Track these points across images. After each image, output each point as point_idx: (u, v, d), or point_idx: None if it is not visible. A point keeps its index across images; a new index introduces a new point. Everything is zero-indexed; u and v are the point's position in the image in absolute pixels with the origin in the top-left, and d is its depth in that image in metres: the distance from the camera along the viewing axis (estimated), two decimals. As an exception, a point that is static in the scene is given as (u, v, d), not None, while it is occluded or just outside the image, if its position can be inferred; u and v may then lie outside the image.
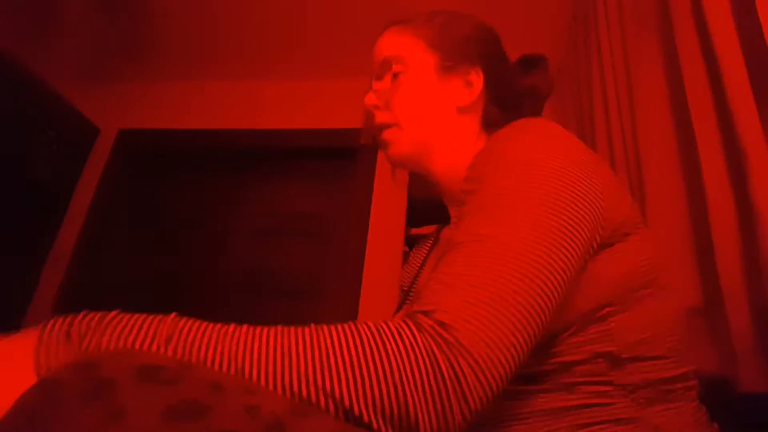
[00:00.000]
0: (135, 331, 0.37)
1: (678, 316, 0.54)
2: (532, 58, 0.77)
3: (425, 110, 0.70)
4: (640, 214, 0.56)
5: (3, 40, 1.87)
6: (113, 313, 0.39)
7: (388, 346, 0.37)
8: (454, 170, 0.68)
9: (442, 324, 0.38)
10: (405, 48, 0.71)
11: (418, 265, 0.83)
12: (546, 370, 0.49)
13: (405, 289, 0.84)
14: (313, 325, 0.39)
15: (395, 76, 0.70)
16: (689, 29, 0.90)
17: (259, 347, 0.37)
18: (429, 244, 0.85)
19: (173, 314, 0.39)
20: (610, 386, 0.49)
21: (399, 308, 0.79)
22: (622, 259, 0.51)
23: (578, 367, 0.49)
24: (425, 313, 0.40)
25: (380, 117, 0.71)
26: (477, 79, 0.69)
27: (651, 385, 0.49)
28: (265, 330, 0.38)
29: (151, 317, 0.38)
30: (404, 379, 0.36)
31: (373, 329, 0.39)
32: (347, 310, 1.83)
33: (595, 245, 0.49)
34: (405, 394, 0.36)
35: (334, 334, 0.38)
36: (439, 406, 0.36)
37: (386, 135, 0.71)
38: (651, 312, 0.51)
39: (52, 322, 0.38)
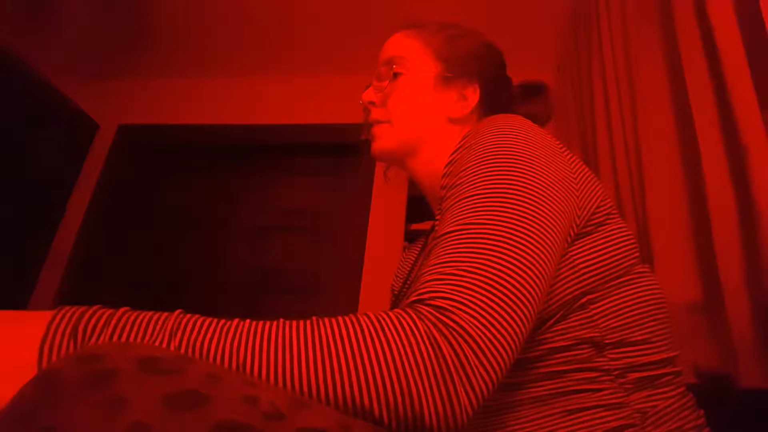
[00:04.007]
0: (142, 328, 0.37)
1: (658, 302, 0.55)
2: (533, 86, 0.79)
3: (417, 114, 0.72)
4: (614, 204, 0.57)
5: (3, 37, 1.86)
6: (121, 311, 0.39)
7: (389, 334, 0.37)
8: (437, 174, 0.68)
9: (440, 309, 0.39)
10: (410, 51, 0.74)
11: (409, 268, 0.83)
12: (533, 357, 0.50)
13: (395, 292, 0.84)
14: (314, 318, 0.40)
15: (395, 76, 0.73)
16: (691, 24, 0.90)
17: (261, 341, 0.37)
18: (419, 248, 0.85)
19: (178, 311, 0.39)
20: (598, 372, 0.50)
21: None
22: (597, 247, 0.52)
23: (564, 353, 0.50)
24: (422, 301, 0.40)
25: (375, 114, 0.75)
26: (473, 95, 0.72)
27: (636, 370, 0.51)
28: (267, 324, 0.39)
29: (157, 314, 0.38)
30: (407, 365, 0.36)
31: (373, 319, 0.39)
32: (347, 306, 1.83)
33: (572, 233, 0.51)
34: (408, 381, 0.36)
35: (334, 325, 0.38)
36: (444, 392, 0.36)
37: (376, 129, 0.74)
38: (630, 299, 0.53)
39: (61, 314, 0.38)
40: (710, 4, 0.83)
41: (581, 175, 0.54)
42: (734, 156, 0.77)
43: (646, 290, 0.54)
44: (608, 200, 0.56)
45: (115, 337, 0.37)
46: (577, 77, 1.61)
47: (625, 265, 0.54)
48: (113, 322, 0.37)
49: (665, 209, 0.94)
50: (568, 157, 0.55)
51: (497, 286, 0.40)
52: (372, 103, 0.75)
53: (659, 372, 0.52)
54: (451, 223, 0.46)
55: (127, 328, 0.37)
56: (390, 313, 0.40)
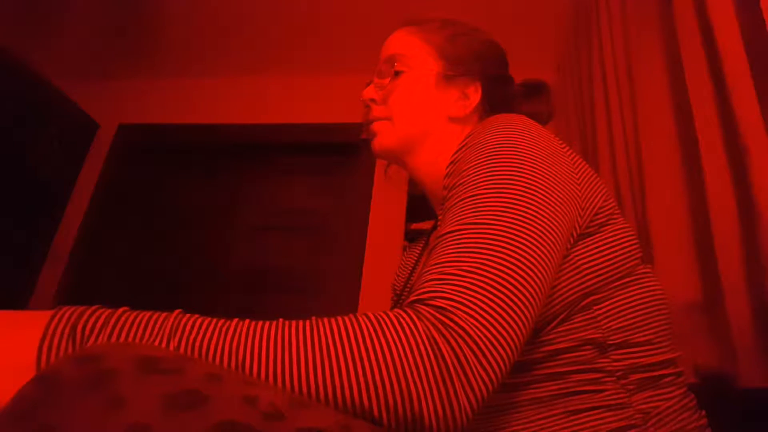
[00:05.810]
0: (141, 328, 0.37)
1: (660, 303, 0.55)
2: (534, 85, 0.79)
3: (418, 113, 0.71)
4: (616, 204, 0.57)
5: (3, 37, 1.86)
6: (120, 311, 0.38)
7: (388, 335, 0.37)
8: (438, 174, 0.68)
9: (440, 309, 0.39)
10: (412, 49, 0.73)
11: (411, 267, 0.83)
12: (536, 359, 0.50)
13: (398, 291, 0.84)
14: (313, 318, 0.39)
15: (397, 74, 0.72)
16: (691, 24, 0.90)
17: (260, 341, 0.37)
18: (420, 247, 0.85)
19: (177, 310, 0.39)
20: (600, 373, 0.50)
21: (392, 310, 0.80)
22: (600, 248, 0.52)
23: (567, 354, 0.50)
24: (422, 302, 0.40)
25: (375, 111, 0.74)
26: (474, 94, 0.71)
27: (638, 371, 0.51)
28: (266, 324, 0.38)
29: (156, 314, 0.38)
30: (406, 366, 0.36)
31: (372, 319, 0.39)
32: (347, 306, 1.83)
33: (575, 233, 0.51)
34: (408, 382, 0.36)
35: (333, 325, 0.38)
36: (443, 393, 0.36)
37: (376, 126, 0.73)
38: (633, 300, 0.53)
39: (60, 314, 0.37)
40: (710, 4, 0.83)
41: (584, 175, 0.54)
42: (734, 156, 0.77)
43: (649, 291, 0.54)
44: (611, 200, 0.56)
45: (114, 337, 0.36)
46: (577, 77, 1.61)
47: (627, 265, 0.54)
48: (112, 322, 0.37)
49: (665, 209, 0.94)
50: (571, 156, 0.55)
51: (498, 286, 0.40)
52: (373, 100, 0.74)
53: (661, 373, 0.52)
54: (453, 222, 0.46)
55: (126, 327, 0.37)
56: (389, 314, 0.39)
